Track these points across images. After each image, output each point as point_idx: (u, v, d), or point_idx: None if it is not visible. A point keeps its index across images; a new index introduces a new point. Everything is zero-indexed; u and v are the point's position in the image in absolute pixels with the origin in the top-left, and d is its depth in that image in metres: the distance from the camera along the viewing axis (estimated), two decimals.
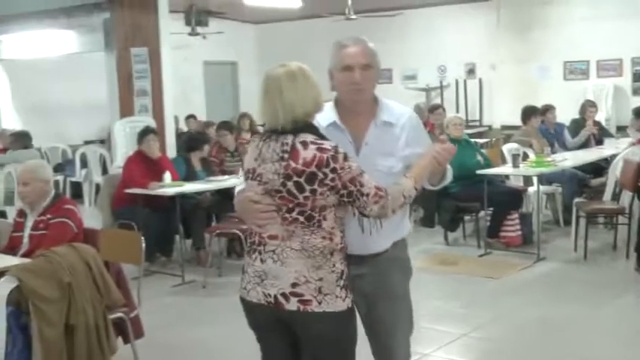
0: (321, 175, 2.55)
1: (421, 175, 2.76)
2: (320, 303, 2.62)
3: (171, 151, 9.28)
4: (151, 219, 6.82)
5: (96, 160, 11.25)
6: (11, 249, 4.60)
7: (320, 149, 2.56)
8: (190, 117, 12.28)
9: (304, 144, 2.58)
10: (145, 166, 7.08)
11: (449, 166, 2.99)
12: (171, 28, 9.83)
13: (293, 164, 2.56)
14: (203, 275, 6.59)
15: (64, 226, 4.50)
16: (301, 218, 2.60)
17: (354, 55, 2.87)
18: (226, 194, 7.29)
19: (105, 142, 11.76)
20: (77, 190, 11.38)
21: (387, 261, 2.96)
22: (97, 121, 12.02)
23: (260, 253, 2.69)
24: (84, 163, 11.37)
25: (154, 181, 6.88)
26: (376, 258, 2.93)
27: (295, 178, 2.56)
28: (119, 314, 4.13)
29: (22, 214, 4.72)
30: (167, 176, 6.96)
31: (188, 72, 13.35)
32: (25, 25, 10.66)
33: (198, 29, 12.39)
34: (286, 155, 2.58)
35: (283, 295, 2.62)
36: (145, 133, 7.30)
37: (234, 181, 7.21)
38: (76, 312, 3.63)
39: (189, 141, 8.15)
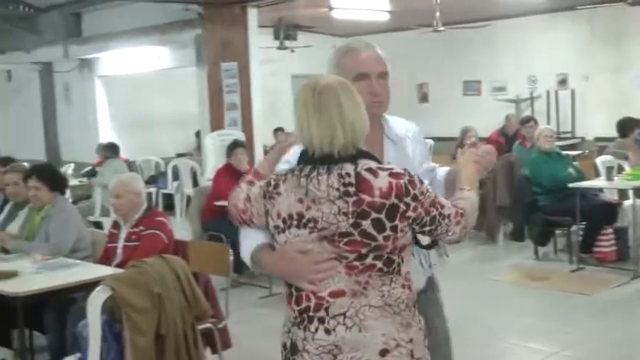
0: (403, 207, 2.07)
1: (475, 184, 2.38)
2: None
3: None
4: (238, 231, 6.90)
5: (187, 173, 11.49)
6: (106, 259, 4.76)
7: (393, 175, 2.09)
8: (278, 130, 12.42)
9: (372, 171, 2.08)
10: (234, 178, 7.11)
11: None
12: (259, 42, 9.99)
13: (367, 198, 2.05)
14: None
15: (156, 237, 4.62)
16: (379, 264, 2.09)
17: (369, 61, 2.48)
18: None
19: (194, 155, 12.02)
20: (169, 202, 11.65)
21: (426, 299, 2.52)
22: (188, 134, 12.30)
23: (322, 322, 2.10)
24: (175, 176, 11.63)
25: None
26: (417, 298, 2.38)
27: (374, 215, 2.05)
28: (207, 325, 4.20)
29: (116, 225, 4.88)
30: None
31: (276, 86, 13.52)
32: (122, 43, 11.06)
33: (287, 43, 12.54)
34: (352, 189, 2.06)
35: None
36: (233, 146, 7.42)
37: None
38: (166, 322, 3.71)
39: None
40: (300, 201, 2.12)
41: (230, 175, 7.24)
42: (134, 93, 12.34)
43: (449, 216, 2.17)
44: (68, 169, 10.76)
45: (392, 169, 2.12)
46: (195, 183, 10.87)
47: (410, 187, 2.08)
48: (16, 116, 13.66)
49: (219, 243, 5.61)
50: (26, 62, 13.04)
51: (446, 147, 10.55)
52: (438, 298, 2.71)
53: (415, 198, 2.09)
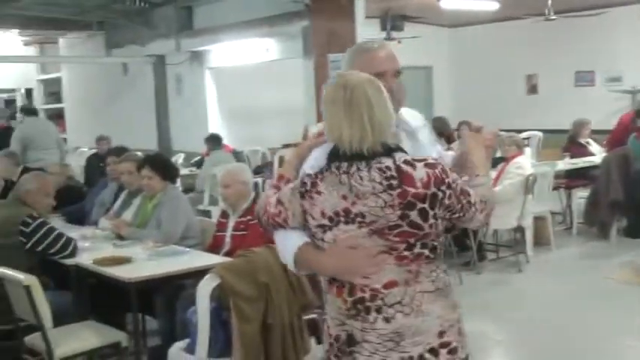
0: (441, 195, 2.14)
1: (487, 168, 2.41)
2: (463, 348, 2.27)
3: None
4: None
5: None
6: (214, 247, 4.86)
7: (428, 165, 2.15)
8: None
9: (409, 164, 2.14)
10: None
11: None
12: (366, 33, 9.95)
13: (412, 189, 2.10)
14: None
15: None
16: (426, 252, 2.18)
17: (385, 59, 2.48)
18: None
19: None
20: None
21: None
22: (294, 125, 12.41)
23: (380, 311, 2.17)
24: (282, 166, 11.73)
25: None
26: None
27: (420, 205, 2.11)
28: (313, 315, 4.23)
29: (224, 214, 4.98)
30: None
31: None
32: (231, 35, 11.26)
33: (393, 34, 12.45)
34: (395, 182, 2.11)
35: (432, 350, 2.19)
36: None
37: None
38: (273, 311, 3.75)
39: None
40: (344, 197, 2.15)
41: None
42: (242, 84, 12.55)
43: (475, 204, 2.23)
44: (179, 159, 11.07)
45: (426, 159, 2.18)
46: None
47: (444, 176, 2.15)
48: (131, 107, 14.16)
49: None
50: (141, 55, 13.49)
51: (556, 140, 10.23)
52: None
53: (449, 186, 2.16)
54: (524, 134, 10.39)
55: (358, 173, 2.13)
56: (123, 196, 5.60)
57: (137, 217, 5.19)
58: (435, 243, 2.20)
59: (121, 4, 12.40)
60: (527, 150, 9.21)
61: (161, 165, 5.18)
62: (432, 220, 2.14)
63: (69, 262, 4.51)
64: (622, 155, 7.95)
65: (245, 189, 4.85)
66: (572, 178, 8.62)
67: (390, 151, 2.16)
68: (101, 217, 5.52)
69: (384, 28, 12.45)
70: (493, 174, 7.34)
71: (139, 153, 5.89)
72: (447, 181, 2.15)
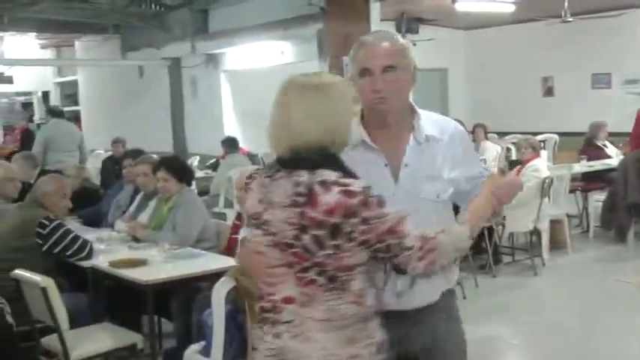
0: (348, 228, 1.95)
1: (480, 220, 2.20)
2: None
3: None
4: None
5: None
6: (230, 250, 4.86)
7: (346, 193, 1.95)
8: None
9: (325, 185, 1.97)
10: None
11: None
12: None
13: (311, 213, 1.96)
14: None
15: None
16: (322, 280, 2.01)
17: (374, 54, 2.27)
18: None
19: None
20: None
21: (437, 314, 2.40)
22: None
23: (273, 325, 2.07)
24: None
25: None
26: (423, 312, 2.35)
27: (315, 231, 1.96)
28: None
29: (239, 217, 4.97)
30: None
31: None
32: (246, 38, 11.29)
33: (408, 37, 12.43)
34: (301, 199, 1.98)
35: None
36: None
37: None
38: None
39: None
40: (260, 202, 2.08)
41: None
42: (258, 87, 12.52)
43: (410, 248, 2.01)
44: (194, 162, 11.11)
45: (348, 185, 1.97)
46: None
47: (360, 209, 1.95)
48: (147, 110, 14.22)
49: None
50: (156, 58, 13.55)
51: (572, 143, 10.19)
52: (449, 307, 2.48)
53: (365, 221, 1.96)
54: (540, 137, 10.35)
55: (278, 181, 2.04)
56: (139, 198, 5.62)
57: (153, 219, 5.21)
58: (339, 274, 2.00)
59: (136, 8, 12.47)
60: (544, 153, 9.17)
61: (177, 167, 5.19)
62: (329, 251, 1.97)
63: (85, 264, 4.54)
64: (639, 158, 7.89)
65: None
66: (589, 181, 8.58)
67: (318, 165, 2.01)
68: (117, 220, 5.54)
69: (399, 31, 12.42)
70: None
71: (155, 155, 5.90)
72: (362, 215, 1.95)
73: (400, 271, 2.13)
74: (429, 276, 2.14)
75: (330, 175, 1.99)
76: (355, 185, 1.98)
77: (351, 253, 2.00)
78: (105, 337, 4.15)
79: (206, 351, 3.82)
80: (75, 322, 4.22)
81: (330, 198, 1.96)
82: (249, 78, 12.43)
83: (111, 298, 4.73)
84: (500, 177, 2.33)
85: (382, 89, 2.24)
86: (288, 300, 2.05)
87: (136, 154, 6.29)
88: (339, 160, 2.06)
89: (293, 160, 2.03)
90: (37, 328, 4.12)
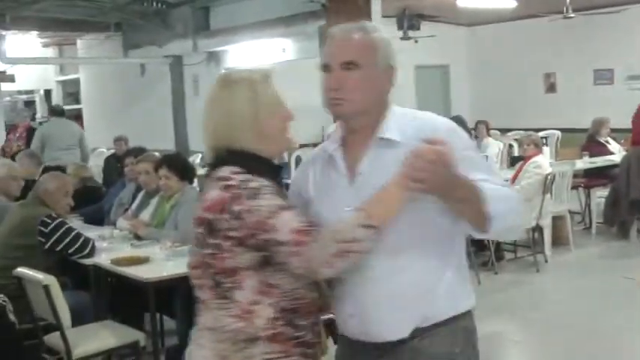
0: (224, 225, 1.82)
1: (384, 204, 1.78)
2: None
3: None
4: None
5: None
6: None
7: (226, 187, 1.85)
8: None
9: (216, 180, 1.90)
10: None
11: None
12: (383, 32, 9.94)
13: (199, 211, 1.91)
14: None
15: None
16: (209, 283, 1.90)
17: (334, 50, 1.98)
18: None
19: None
20: None
21: (416, 356, 1.98)
22: (312, 125, 12.41)
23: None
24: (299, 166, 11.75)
25: None
26: (392, 350, 1.99)
27: (198, 229, 1.89)
28: (330, 315, 4.21)
29: None
30: None
31: (399, 76, 13.39)
32: (248, 36, 11.29)
33: (410, 33, 12.42)
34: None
35: None
36: None
37: None
38: None
39: None
40: (199, 200, 1.99)
41: None
42: None
43: (283, 243, 1.77)
44: (196, 159, 11.09)
45: (229, 179, 1.84)
46: None
47: (231, 203, 1.80)
48: (149, 108, 14.22)
49: None
50: (158, 56, 13.55)
51: (574, 139, 10.17)
52: (435, 353, 2.01)
53: (237, 216, 1.80)
54: (542, 133, 10.35)
55: (209, 180, 1.95)
56: (141, 196, 5.62)
57: (155, 217, 5.21)
58: (221, 279, 1.85)
59: (138, 5, 12.45)
60: (546, 149, 9.16)
61: (179, 165, 5.18)
62: (210, 250, 1.84)
63: (87, 261, 4.54)
64: None
65: None
66: (592, 177, 8.57)
67: (223, 161, 1.91)
68: (119, 218, 5.54)
69: (400, 27, 12.42)
70: (510, 174, 7.33)
71: (157, 153, 5.90)
72: (234, 209, 1.79)
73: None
74: (314, 277, 1.87)
75: (225, 170, 1.90)
76: (237, 179, 1.85)
77: (231, 254, 1.83)
78: (107, 334, 4.15)
79: None
80: (78, 319, 4.23)
81: (213, 194, 1.87)
82: None
83: (114, 296, 4.74)
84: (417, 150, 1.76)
85: (338, 88, 1.95)
86: (201, 301, 1.97)
87: (138, 152, 6.29)
88: (247, 155, 1.92)
89: (212, 160, 1.98)
90: (39, 326, 4.12)
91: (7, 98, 16.66)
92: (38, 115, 17.58)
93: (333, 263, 1.77)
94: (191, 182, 5.32)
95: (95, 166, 9.94)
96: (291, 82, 11.20)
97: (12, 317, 3.53)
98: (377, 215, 1.77)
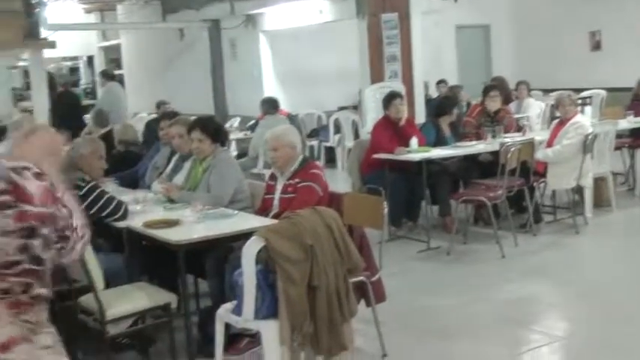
0: (58, 214, 1.72)
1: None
2: None
3: (421, 117, 9.27)
4: (399, 184, 6.86)
5: (349, 126, 11.54)
6: (263, 210, 4.88)
7: (37, 175, 1.74)
8: (441, 82, 12.17)
9: (18, 172, 1.73)
10: (392, 131, 7.13)
11: None
12: None
13: (31, 208, 1.68)
14: (448, 242, 6.53)
15: (311, 190, 4.68)
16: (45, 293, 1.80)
17: None
18: (473, 160, 7.17)
19: (357, 108, 12.03)
20: (331, 155, 11.80)
21: None
22: (350, 87, 12.32)
23: None
24: (337, 129, 11.73)
25: (401, 146, 6.90)
26: None
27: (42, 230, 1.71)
28: (360, 278, 4.21)
29: (273, 177, 4.99)
30: (414, 141, 6.93)
31: (439, 37, 13.20)
32: None
33: None
34: (8, 198, 1.68)
35: None
36: (390, 97, 7.30)
37: (482, 147, 7.08)
38: (318, 274, 3.72)
39: (438, 106, 8.06)
40: None
41: (387, 127, 7.19)
42: (297, 47, 12.48)
43: (77, 228, 1.67)
44: (234, 123, 11.13)
45: (28, 167, 1.66)
46: (357, 136, 10.91)
47: (56, 191, 1.66)
48: (188, 72, 14.26)
49: (374, 195, 5.59)
50: (196, 20, 13.52)
51: (620, 98, 9.90)
52: None
53: (65, 204, 1.66)
54: (586, 93, 10.11)
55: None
56: (175, 159, 5.64)
57: (188, 180, 5.23)
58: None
59: None
60: (589, 109, 8.95)
61: (211, 128, 5.17)
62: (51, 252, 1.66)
63: (120, 225, 4.58)
64: None
65: (292, 152, 4.84)
66: (636, 138, 8.35)
67: None
68: (154, 181, 5.57)
69: None
70: (547, 134, 7.18)
71: (193, 117, 5.91)
72: (59, 197, 1.66)
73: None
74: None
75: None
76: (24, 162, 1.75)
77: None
78: (140, 296, 4.19)
79: (238, 310, 3.84)
80: (113, 281, 4.29)
81: (32, 184, 1.70)
82: (288, 38, 12.35)
83: (150, 259, 4.78)
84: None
85: None
86: (6, 345, 1.69)
87: (172, 115, 6.30)
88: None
89: None
90: (75, 288, 4.19)
91: (52, 65, 16.87)
92: (82, 82, 17.77)
93: None
94: (223, 145, 5.31)
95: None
96: (327, 45, 11.22)
97: None
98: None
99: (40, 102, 10.99)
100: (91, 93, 17.61)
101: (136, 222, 4.55)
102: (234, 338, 4.40)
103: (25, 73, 15.01)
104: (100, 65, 17.82)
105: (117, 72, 16.76)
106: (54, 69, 17.01)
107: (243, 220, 4.51)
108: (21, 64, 15.48)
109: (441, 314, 5.03)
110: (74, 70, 18.89)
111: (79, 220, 1.66)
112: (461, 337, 4.61)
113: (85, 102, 13.87)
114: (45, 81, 11.21)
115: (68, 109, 10.66)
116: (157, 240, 4.28)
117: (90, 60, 18.48)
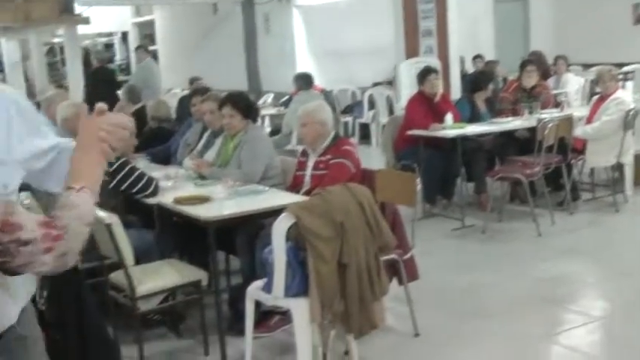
0: None
1: (96, 177, 1.72)
2: None
3: (456, 93, 9.13)
4: (433, 161, 6.77)
5: (383, 102, 11.42)
6: (294, 187, 4.82)
7: None
8: (477, 57, 11.96)
9: None
10: (427, 107, 7.03)
11: None
12: None
13: None
14: (483, 220, 6.42)
15: (343, 166, 4.62)
16: None
17: None
18: (510, 137, 7.04)
19: (392, 83, 11.89)
20: (365, 131, 11.70)
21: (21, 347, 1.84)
22: (385, 62, 12.17)
23: None
24: (372, 105, 11.61)
25: (436, 122, 6.80)
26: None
27: None
28: (392, 256, 4.14)
29: (304, 154, 4.93)
30: (448, 117, 6.85)
31: (476, 11, 12.95)
32: None
33: None
34: None
35: None
36: (425, 73, 7.20)
37: (519, 123, 6.94)
38: (349, 251, 3.67)
39: (473, 81, 7.92)
40: None
41: (422, 102, 7.08)
42: (331, 22, 12.35)
43: (32, 241, 1.53)
44: (267, 99, 11.07)
45: None
46: (391, 112, 10.79)
47: None
48: (221, 48, 14.22)
49: (406, 172, 5.51)
50: None
51: None
52: (27, 336, 1.88)
53: None
54: (628, 67, 9.86)
55: None
56: (206, 136, 5.61)
57: (219, 156, 5.19)
58: None
59: None
60: (630, 84, 8.72)
61: (242, 104, 5.12)
62: None
63: (151, 201, 4.56)
64: None
65: (323, 128, 4.79)
66: None
67: None
68: (185, 158, 5.54)
69: None
70: (585, 110, 7.00)
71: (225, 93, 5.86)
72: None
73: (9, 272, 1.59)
74: (58, 271, 1.60)
75: None
76: None
77: None
78: (170, 273, 4.18)
79: (268, 287, 3.80)
80: (144, 258, 4.29)
81: None
82: (321, 13, 12.23)
83: (180, 236, 4.76)
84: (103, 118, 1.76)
85: None
86: None
87: (204, 91, 6.26)
88: None
89: None
90: (105, 264, 4.18)
91: (87, 41, 16.96)
92: (117, 58, 17.84)
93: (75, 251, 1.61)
94: (255, 121, 5.26)
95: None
96: (362, 19, 11.10)
97: None
98: (96, 188, 1.71)
99: (75, 78, 11.04)
100: (126, 69, 17.69)
101: (166, 198, 4.52)
102: (265, 316, 4.38)
103: (61, 49, 15.12)
104: (134, 41, 17.87)
105: (151, 48, 16.86)
106: (89, 45, 17.10)
107: (273, 196, 4.46)
108: (56, 40, 15.58)
109: (475, 293, 4.95)
110: (109, 47, 18.97)
111: (38, 232, 1.54)
112: (495, 316, 4.54)
113: (120, 78, 13.90)
114: (80, 57, 11.27)
115: (103, 85, 10.69)
116: (187, 216, 4.26)
117: (124, 36, 18.53)
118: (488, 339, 4.23)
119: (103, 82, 10.68)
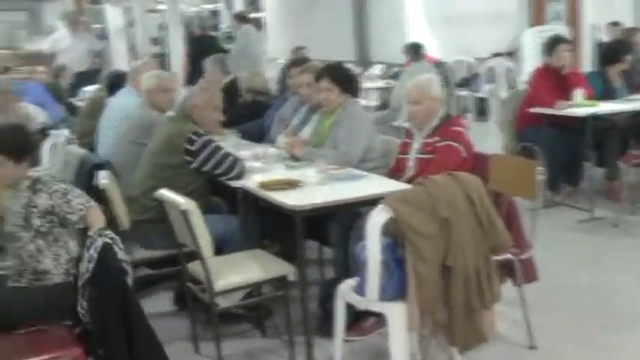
0: None
1: None
2: None
3: (587, 65, 8.43)
4: (558, 142, 6.17)
5: (503, 75, 10.82)
6: (396, 172, 4.35)
7: None
8: (614, 24, 11.01)
9: None
10: (553, 81, 6.46)
11: None
12: None
13: None
14: (615, 211, 5.83)
15: (452, 150, 4.13)
16: None
17: None
18: None
19: (513, 54, 11.19)
20: (483, 107, 11.14)
21: None
22: (504, 31, 11.46)
23: None
24: (490, 78, 11.02)
25: (562, 99, 6.24)
26: None
27: None
28: (507, 256, 3.61)
29: (408, 134, 4.42)
30: (578, 94, 6.27)
31: None
32: None
33: None
34: None
35: None
36: (553, 43, 6.58)
37: None
38: (454, 252, 3.17)
39: (607, 52, 7.16)
40: None
41: (548, 76, 6.50)
42: None
43: None
44: (375, 70, 10.59)
45: None
46: (512, 86, 10.18)
47: None
48: (328, 15, 13.84)
49: (527, 157, 4.89)
50: None
51: None
52: None
53: None
54: None
55: None
56: (303, 111, 5.15)
57: (314, 135, 4.74)
58: None
59: None
60: None
61: (341, 76, 4.66)
62: None
63: (235, 184, 4.16)
64: None
65: (434, 105, 4.31)
66: None
67: None
68: (279, 134, 5.10)
69: None
70: None
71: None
72: None
73: None
74: None
75: None
76: None
77: None
78: (253, 267, 3.76)
79: (360, 289, 3.33)
80: (227, 246, 3.94)
81: None
82: None
83: (268, 221, 4.34)
84: None
85: None
86: None
87: (303, 62, 5.80)
88: None
89: None
90: (183, 253, 3.81)
91: (194, 9, 16.94)
92: (223, 25, 17.71)
93: None
94: (354, 96, 4.75)
95: (271, 79, 9.66)
96: None
97: (122, 255, 3.15)
98: None
99: (176, 45, 10.97)
100: (231, 37, 17.59)
101: (253, 181, 4.09)
102: (359, 317, 3.92)
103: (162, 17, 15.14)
104: (240, 7, 17.72)
105: (255, 15, 16.64)
106: (195, 12, 17.09)
107: (372, 182, 3.99)
108: (160, 7, 15.62)
109: (603, 297, 4.40)
110: (215, 14, 18.92)
111: None
112: (629, 325, 3.98)
113: (227, 46, 13.74)
114: (180, 24, 11.17)
115: (205, 54, 10.47)
116: (271, 203, 3.82)
117: (229, 2, 18.41)
118: (617, 355, 3.71)
119: (204, 51, 10.44)
